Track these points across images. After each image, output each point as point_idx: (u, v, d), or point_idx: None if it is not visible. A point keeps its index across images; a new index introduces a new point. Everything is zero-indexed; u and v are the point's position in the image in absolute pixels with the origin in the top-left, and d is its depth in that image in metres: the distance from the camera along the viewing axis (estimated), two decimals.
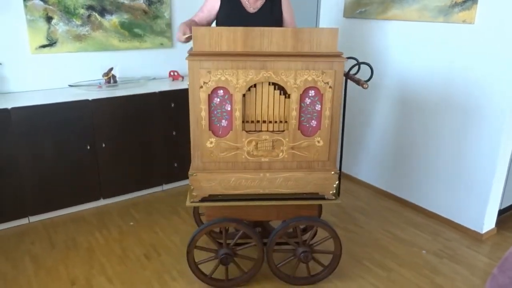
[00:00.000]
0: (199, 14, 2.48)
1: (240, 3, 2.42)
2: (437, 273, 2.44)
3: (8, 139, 2.66)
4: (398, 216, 3.08)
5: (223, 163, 1.99)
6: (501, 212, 2.90)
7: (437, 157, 2.96)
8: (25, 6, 2.91)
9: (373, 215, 3.08)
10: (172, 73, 3.55)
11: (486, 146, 2.67)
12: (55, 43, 3.08)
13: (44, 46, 3.05)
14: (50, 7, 3.00)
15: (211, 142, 1.95)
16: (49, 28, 3.03)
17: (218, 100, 1.91)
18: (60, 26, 3.07)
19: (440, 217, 3.00)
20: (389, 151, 3.31)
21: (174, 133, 3.29)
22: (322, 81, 1.90)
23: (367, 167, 3.52)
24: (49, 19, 3.02)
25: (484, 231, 2.78)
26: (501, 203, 2.85)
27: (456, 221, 2.91)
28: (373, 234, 2.83)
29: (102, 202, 3.16)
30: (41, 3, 2.96)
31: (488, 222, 2.79)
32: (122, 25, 3.32)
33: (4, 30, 2.89)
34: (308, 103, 1.94)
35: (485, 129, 2.66)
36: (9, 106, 2.64)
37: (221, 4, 2.42)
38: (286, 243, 2.27)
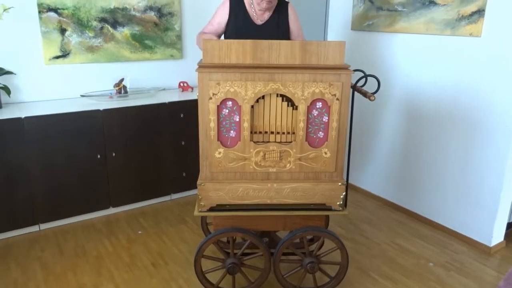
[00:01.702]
0: (208, 27, 2.53)
1: (248, 15, 2.47)
2: (445, 285, 2.42)
3: (20, 147, 2.72)
4: (405, 227, 3.07)
5: (231, 173, 2.02)
6: (510, 225, 2.88)
7: (445, 169, 2.96)
8: (40, 18, 2.99)
9: (380, 227, 3.08)
10: (181, 84, 3.60)
11: (494, 158, 2.66)
12: (68, 54, 3.16)
13: (57, 57, 3.12)
14: (64, 19, 3.08)
15: (219, 153, 1.98)
16: (62, 39, 3.11)
17: (227, 111, 1.94)
18: (73, 38, 3.15)
19: (447, 229, 2.99)
20: (396, 162, 3.31)
21: (182, 143, 3.33)
22: (330, 93, 1.93)
23: (374, 179, 3.52)
24: (63, 31, 3.10)
25: (492, 244, 2.77)
26: (510, 216, 2.83)
27: (464, 233, 2.90)
28: (380, 246, 2.83)
29: (111, 210, 3.19)
30: (56, 15, 3.05)
31: (496, 235, 2.78)
32: (134, 36, 3.39)
33: (20, 42, 2.97)
34: (315, 114, 1.97)
35: (492, 141, 2.66)
36: (22, 115, 2.71)
37: (229, 16, 2.48)
38: (293, 254, 2.28)
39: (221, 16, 2.49)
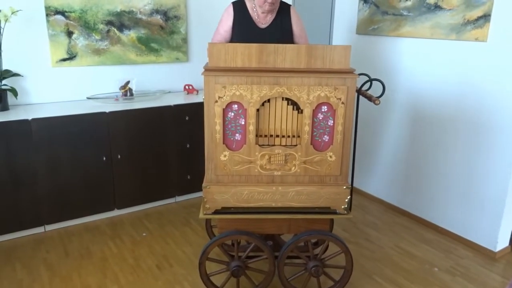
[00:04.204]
0: (217, 37, 2.56)
1: (251, 19, 2.50)
2: None
3: (27, 149, 2.74)
4: (409, 232, 3.06)
5: (236, 176, 2.03)
6: None
7: (450, 173, 2.95)
8: (48, 21, 3.02)
9: (384, 231, 3.07)
10: (187, 87, 3.62)
11: (499, 163, 2.65)
12: (75, 56, 3.18)
13: (64, 60, 3.15)
14: (71, 22, 3.11)
15: (225, 156, 1.99)
16: (69, 42, 3.14)
17: (233, 114, 1.95)
18: (80, 41, 3.17)
19: (452, 234, 2.98)
20: (401, 166, 3.31)
21: (187, 145, 3.34)
22: (335, 97, 1.93)
23: (379, 183, 3.52)
24: (70, 33, 3.13)
25: (497, 249, 2.75)
26: None
27: (469, 238, 2.89)
28: (385, 250, 2.82)
29: (116, 212, 3.21)
30: (63, 18, 3.08)
31: (501, 240, 2.76)
32: (140, 40, 3.42)
33: (27, 44, 3.00)
34: (320, 118, 1.98)
35: (497, 146, 2.65)
36: (29, 117, 2.73)
37: (233, 21, 2.50)
38: (297, 257, 2.28)
39: (227, 22, 2.52)
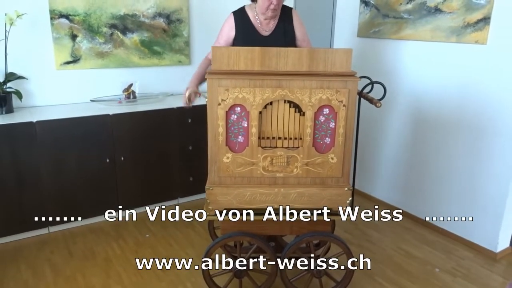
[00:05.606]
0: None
1: (254, 28, 2.46)
2: None
3: (32, 151, 2.77)
4: (411, 233, 3.08)
5: (239, 178, 2.05)
6: None
7: (450, 175, 2.97)
8: (52, 24, 3.05)
9: (386, 232, 3.09)
10: None
11: (500, 164, 2.67)
12: (78, 59, 3.21)
13: (68, 63, 3.18)
14: (75, 25, 3.14)
15: (227, 158, 2.01)
16: (73, 45, 3.17)
17: (235, 116, 1.98)
18: (84, 44, 3.20)
19: (453, 235, 3.00)
20: (402, 168, 3.32)
21: (190, 147, 3.36)
22: (336, 99, 1.95)
23: (380, 184, 3.54)
24: (74, 37, 3.16)
25: (498, 250, 2.77)
26: None
27: (469, 239, 2.90)
28: (386, 251, 2.84)
29: (119, 213, 3.23)
30: (67, 21, 3.11)
31: (502, 241, 2.78)
32: (143, 43, 3.44)
33: (32, 47, 3.03)
34: (322, 120, 2.00)
35: (498, 147, 2.67)
36: (34, 120, 2.76)
37: (236, 31, 2.45)
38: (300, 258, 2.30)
39: (228, 33, 2.47)
